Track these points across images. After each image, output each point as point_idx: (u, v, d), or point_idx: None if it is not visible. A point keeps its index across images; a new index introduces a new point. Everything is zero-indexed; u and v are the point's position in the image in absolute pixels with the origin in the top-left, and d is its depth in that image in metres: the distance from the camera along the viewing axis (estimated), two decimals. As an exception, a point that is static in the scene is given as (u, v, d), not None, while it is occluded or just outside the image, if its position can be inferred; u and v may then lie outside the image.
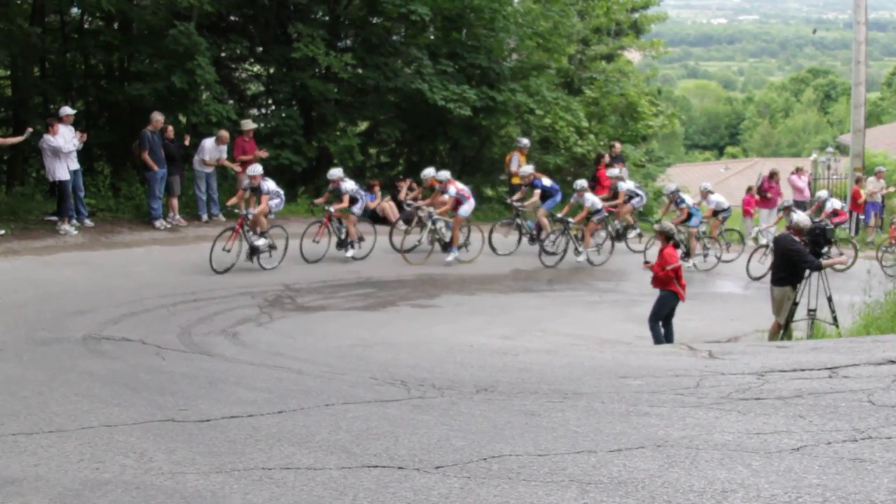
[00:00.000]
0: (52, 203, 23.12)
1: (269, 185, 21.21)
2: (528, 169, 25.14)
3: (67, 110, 22.65)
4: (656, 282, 16.69)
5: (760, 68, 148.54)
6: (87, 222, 22.27)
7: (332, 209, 22.26)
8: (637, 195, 26.14)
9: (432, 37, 30.86)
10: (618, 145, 29.99)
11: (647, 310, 17.21)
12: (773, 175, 30.25)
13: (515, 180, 26.58)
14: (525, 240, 24.80)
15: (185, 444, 7.60)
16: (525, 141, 28.24)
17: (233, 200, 21.46)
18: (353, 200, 22.59)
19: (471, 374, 11.14)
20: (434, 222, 23.00)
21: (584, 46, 36.58)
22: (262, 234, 20.77)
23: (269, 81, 30.82)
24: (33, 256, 20.04)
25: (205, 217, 24.57)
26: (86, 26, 27.95)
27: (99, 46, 26.96)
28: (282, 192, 21.92)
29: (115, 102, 26.84)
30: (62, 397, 9.54)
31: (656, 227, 17.84)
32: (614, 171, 26.55)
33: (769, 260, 21.17)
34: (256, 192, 21.11)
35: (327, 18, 30.34)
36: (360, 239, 22.74)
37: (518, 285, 21.66)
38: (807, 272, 16.57)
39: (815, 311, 16.59)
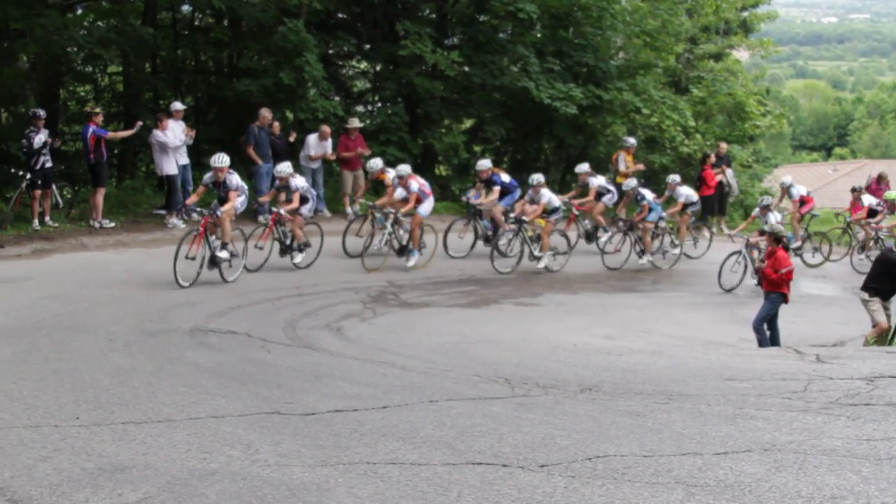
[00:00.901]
0: (160, 197, 23.50)
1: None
2: (486, 163, 23.36)
3: (177, 106, 22.97)
4: (767, 284, 16.50)
5: (871, 68, 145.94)
6: (195, 216, 22.54)
7: (282, 210, 19.65)
8: (609, 191, 24.96)
9: (539, 35, 30.73)
10: (723, 145, 29.62)
11: (751, 312, 17.02)
12: (881, 178, 29.66)
13: (620, 179, 26.33)
14: (480, 242, 22.93)
15: (290, 437, 7.67)
16: (632, 140, 27.97)
17: (191, 199, 19.17)
18: (304, 200, 20.05)
19: (575, 373, 11.10)
20: (395, 223, 20.89)
21: (692, 45, 36.20)
22: (224, 245, 18.10)
23: (376, 78, 30.96)
24: (142, 249, 20.39)
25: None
26: (196, 23, 28.36)
27: (209, 43, 27.35)
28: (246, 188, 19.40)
29: (223, 98, 27.19)
30: (170, 388, 9.69)
31: (767, 229, 17.61)
32: (583, 167, 25.10)
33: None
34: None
35: (435, 16, 30.39)
36: (307, 244, 20.12)
37: (621, 285, 21.50)
38: None
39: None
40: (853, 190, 27.16)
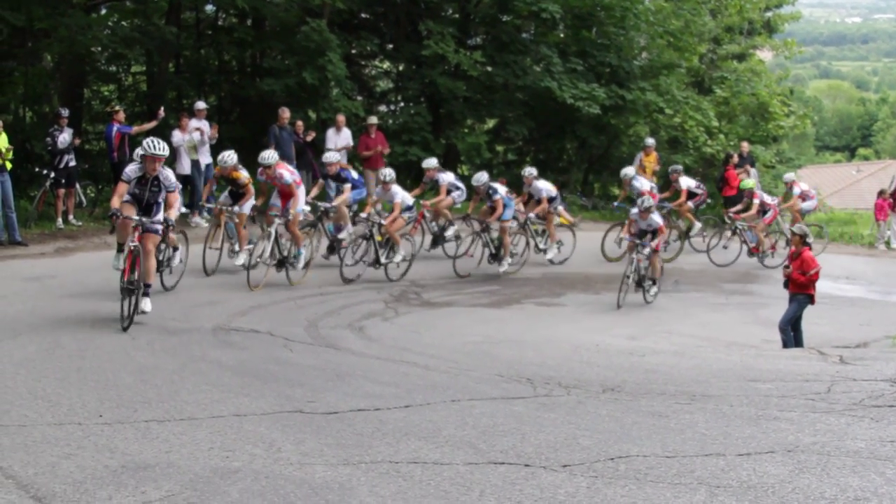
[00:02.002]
0: (184, 196, 23.54)
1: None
2: (335, 156, 21.17)
3: (200, 105, 23.03)
4: (794, 286, 16.44)
5: (895, 68, 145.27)
6: (206, 214, 22.57)
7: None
8: (458, 188, 23.45)
9: (562, 35, 30.73)
10: (745, 145, 29.49)
11: (774, 313, 16.96)
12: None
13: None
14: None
15: (313, 436, 7.69)
16: (650, 141, 27.90)
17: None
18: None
19: (597, 373, 11.09)
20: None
21: (715, 45, 36.11)
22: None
23: (399, 78, 31.00)
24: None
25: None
26: (220, 23, 28.46)
27: (232, 43, 27.47)
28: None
29: (246, 98, 27.28)
30: (193, 386, 9.72)
31: (794, 229, 17.54)
32: (431, 162, 22.72)
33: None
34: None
35: (458, 16, 30.42)
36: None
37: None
38: None
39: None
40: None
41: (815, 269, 16.35)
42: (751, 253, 23.42)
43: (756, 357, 13.74)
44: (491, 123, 32.07)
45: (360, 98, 28.85)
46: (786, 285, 16.72)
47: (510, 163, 32.19)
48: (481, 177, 20.94)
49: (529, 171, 22.66)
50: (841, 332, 17.67)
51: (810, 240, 17.07)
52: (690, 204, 24.25)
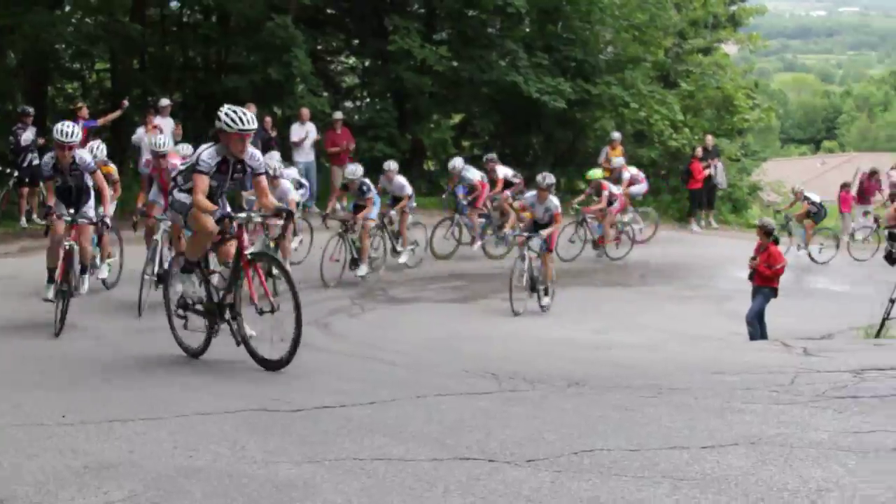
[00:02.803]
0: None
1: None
2: (359, 170, 19.71)
3: (164, 102, 22.96)
4: (759, 279, 16.56)
5: (860, 61, 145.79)
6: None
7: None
8: (302, 185, 22.92)
9: (528, 29, 30.81)
10: (710, 139, 29.60)
11: (740, 305, 17.05)
12: (873, 174, 29.67)
13: (606, 174, 26.36)
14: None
15: (277, 434, 7.66)
16: (615, 135, 27.98)
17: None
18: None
19: (562, 367, 11.12)
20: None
21: (680, 39, 36.20)
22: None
23: (364, 74, 31.01)
24: (130, 246, 20.30)
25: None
26: (185, 20, 28.38)
27: (197, 39, 27.41)
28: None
29: (211, 95, 27.18)
30: (157, 385, 9.69)
31: (759, 223, 17.66)
32: (270, 157, 22.77)
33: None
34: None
35: (423, 11, 30.46)
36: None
37: (610, 279, 21.54)
38: None
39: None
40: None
41: (781, 263, 16.49)
42: (595, 245, 22.99)
43: (721, 349, 13.83)
44: (457, 118, 32.11)
45: (325, 94, 28.81)
46: (751, 277, 16.83)
47: (476, 158, 32.20)
48: (356, 170, 19.39)
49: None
50: (806, 323, 17.75)
51: (776, 234, 17.16)
52: (507, 193, 23.08)
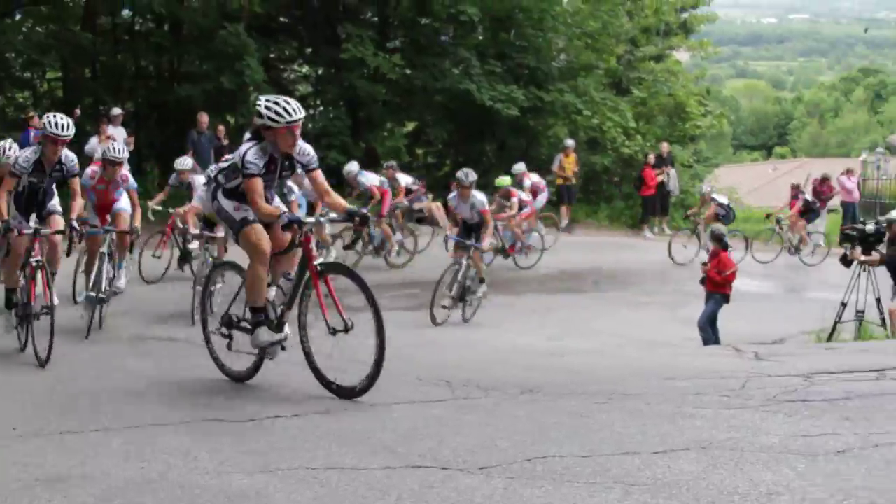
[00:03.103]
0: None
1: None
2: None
3: (117, 111, 22.85)
4: (711, 285, 16.74)
5: (810, 68, 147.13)
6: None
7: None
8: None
9: (481, 37, 30.89)
10: (665, 146, 29.81)
11: (694, 311, 17.15)
12: (824, 179, 29.97)
13: (559, 181, 26.46)
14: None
15: (230, 444, 7.64)
16: (569, 142, 28.12)
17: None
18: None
19: (516, 374, 11.13)
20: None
21: (632, 46, 36.42)
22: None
23: (318, 82, 30.98)
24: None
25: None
26: (137, 28, 28.26)
27: (149, 48, 27.28)
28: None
29: (164, 103, 27.10)
30: (109, 396, 9.61)
31: (710, 230, 17.85)
32: (185, 162, 22.04)
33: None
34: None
35: (376, 19, 30.48)
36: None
37: (565, 286, 21.60)
38: (853, 274, 16.53)
39: (863, 312, 16.47)
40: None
41: (731, 269, 16.69)
42: (506, 254, 22.17)
43: (675, 355, 13.88)
44: (410, 126, 32.13)
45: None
46: (702, 282, 16.98)
47: (430, 165, 32.27)
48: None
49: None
50: (758, 328, 17.88)
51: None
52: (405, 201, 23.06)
